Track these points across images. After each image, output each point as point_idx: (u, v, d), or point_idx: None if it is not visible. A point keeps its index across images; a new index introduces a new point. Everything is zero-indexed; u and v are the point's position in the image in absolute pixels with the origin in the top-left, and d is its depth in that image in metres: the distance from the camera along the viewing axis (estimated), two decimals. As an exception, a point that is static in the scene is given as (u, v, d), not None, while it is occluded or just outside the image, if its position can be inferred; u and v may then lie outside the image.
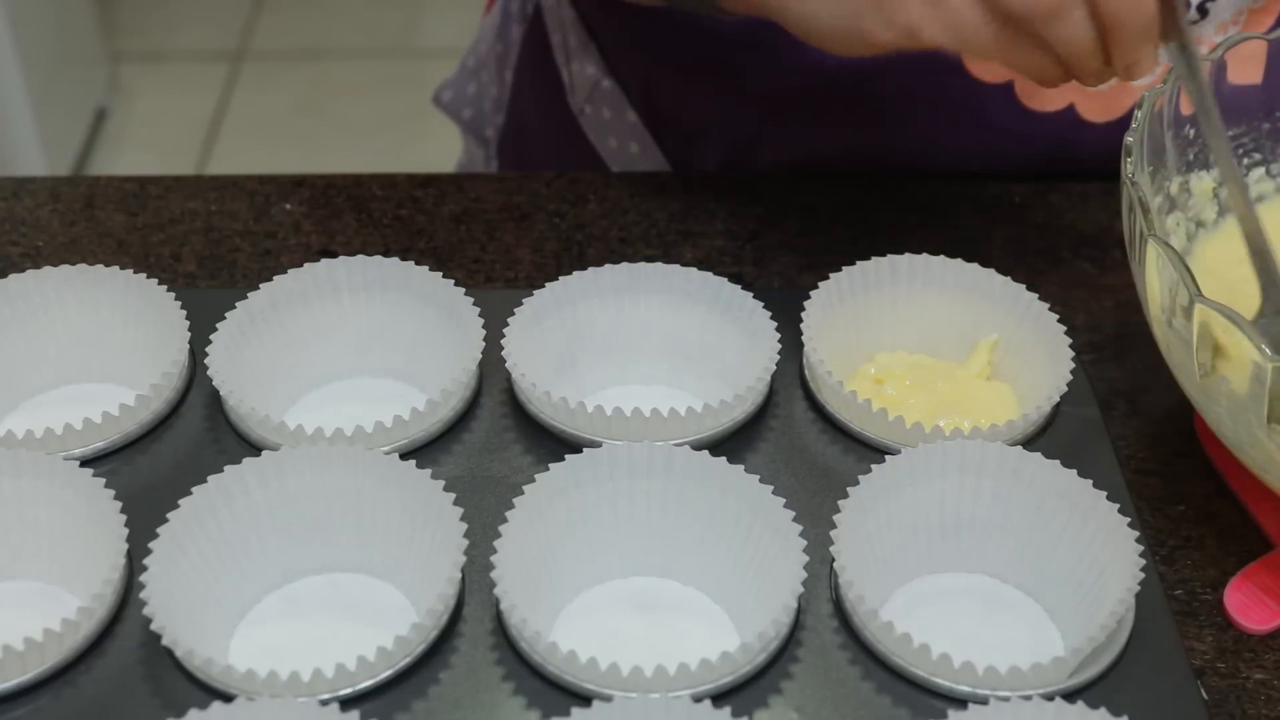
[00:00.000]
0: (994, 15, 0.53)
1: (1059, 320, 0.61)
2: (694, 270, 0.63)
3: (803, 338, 0.60)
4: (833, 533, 0.52)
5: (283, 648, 0.53)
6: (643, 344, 0.63)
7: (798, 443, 0.60)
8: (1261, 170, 0.66)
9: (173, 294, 0.62)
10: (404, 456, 0.56)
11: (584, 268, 0.63)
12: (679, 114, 0.82)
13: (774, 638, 0.51)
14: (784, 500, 0.53)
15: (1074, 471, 0.54)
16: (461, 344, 0.60)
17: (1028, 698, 0.48)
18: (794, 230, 0.74)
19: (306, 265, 0.63)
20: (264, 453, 0.55)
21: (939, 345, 0.65)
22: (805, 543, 0.51)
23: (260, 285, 0.62)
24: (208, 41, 2.49)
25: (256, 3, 2.58)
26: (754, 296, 0.62)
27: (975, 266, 0.64)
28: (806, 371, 0.62)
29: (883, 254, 0.64)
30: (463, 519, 0.52)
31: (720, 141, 0.81)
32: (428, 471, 0.54)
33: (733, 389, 0.59)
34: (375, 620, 0.54)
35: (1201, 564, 0.58)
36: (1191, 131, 0.62)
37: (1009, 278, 0.63)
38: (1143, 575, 0.51)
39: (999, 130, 0.75)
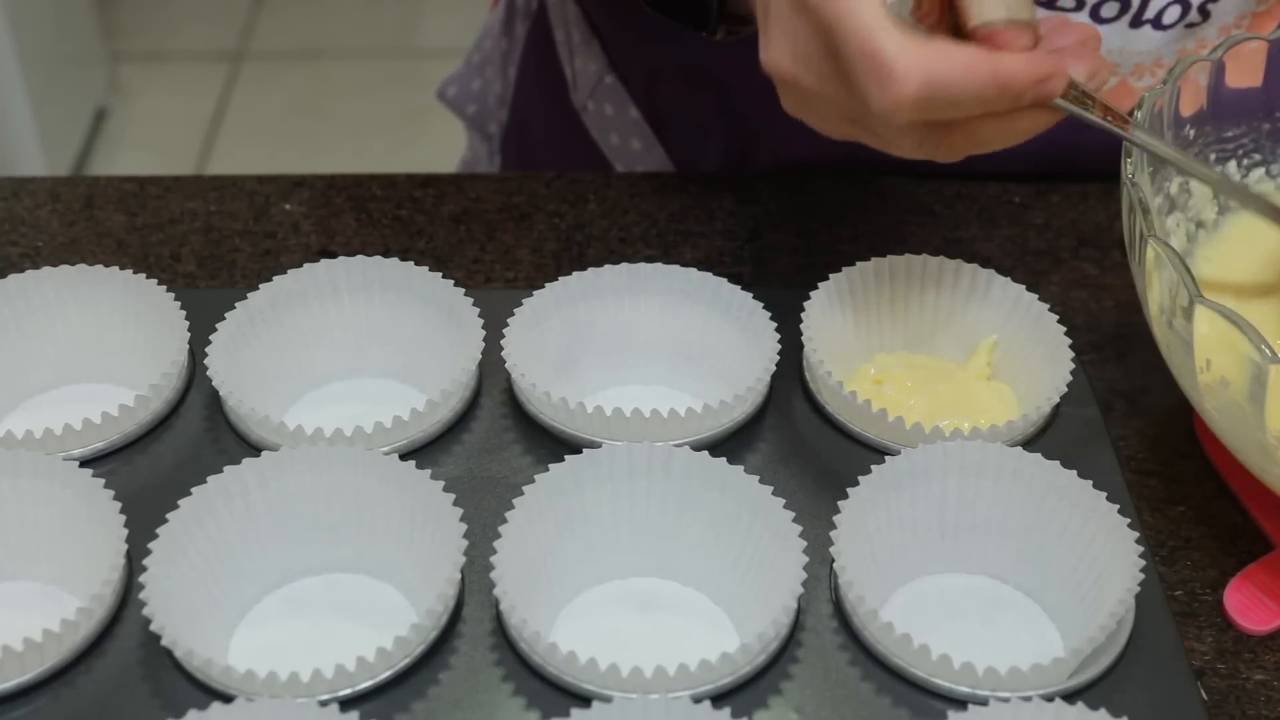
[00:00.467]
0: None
1: (1059, 321, 0.61)
2: (694, 270, 0.63)
3: (803, 338, 0.60)
4: (833, 533, 0.52)
5: (282, 648, 0.53)
6: (643, 344, 0.63)
7: (798, 443, 0.60)
8: (1261, 170, 0.66)
9: (172, 294, 0.62)
10: (404, 457, 0.56)
11: (584, 268, 0.63)
12: (681, 111, 0.82)
13: (774, 638, 0.51)
14: (784, 501, 0.53)
15: (1074, 472, 0.54)
16: (461, 344, 0.60)
17: (1027, 698, 0.48)
18: (794, 230, 0.74)
19: (306, 265, 0.63)
20: (263, 453, 0.55)
21: (939, 345, 0.65)
22: (805, 543, 0.51)
23: (260, 285, 0.62)
24: (207, 41, 2.49)
25: (256, 3, 2.58)
26: (754, 296, 0.62)
27: (975, 266, 0.64)
28: (806, 372, 0.62)
29: (883, 254, 0.64)
30: (462, 519, 0.52)
31: (722, 138, 0.81)
32: (427, 472, 0.54)
33: (733, 389, 0.59)
34: (375, 621, 0.54)
35: (1201, 564, 0.58)
36: (1191, 132, 0.62)
37: (1009, 278, 0.63)
38: (1143, 576, 0.51)
39: None
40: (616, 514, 0.55)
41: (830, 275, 0.63)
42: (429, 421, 0.59)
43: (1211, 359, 0.52)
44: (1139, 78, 0.74)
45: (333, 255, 0.67)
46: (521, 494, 0.53)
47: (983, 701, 0.49)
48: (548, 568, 0.54)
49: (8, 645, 0.49)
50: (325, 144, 2.25)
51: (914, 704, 0.50)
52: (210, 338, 0.60)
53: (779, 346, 0.60)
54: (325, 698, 0.49)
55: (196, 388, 0.62)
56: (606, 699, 0.49)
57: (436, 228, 0.74)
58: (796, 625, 0.52)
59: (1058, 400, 0.59)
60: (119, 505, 0.53)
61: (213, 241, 0.73)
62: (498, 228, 0.74)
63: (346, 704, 0.49)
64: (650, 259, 0.69)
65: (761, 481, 0.53)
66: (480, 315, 0.61)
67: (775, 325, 0.60)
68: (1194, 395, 0.55)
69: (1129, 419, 0.63)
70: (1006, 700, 0.48)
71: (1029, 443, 0.60)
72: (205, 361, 0.59)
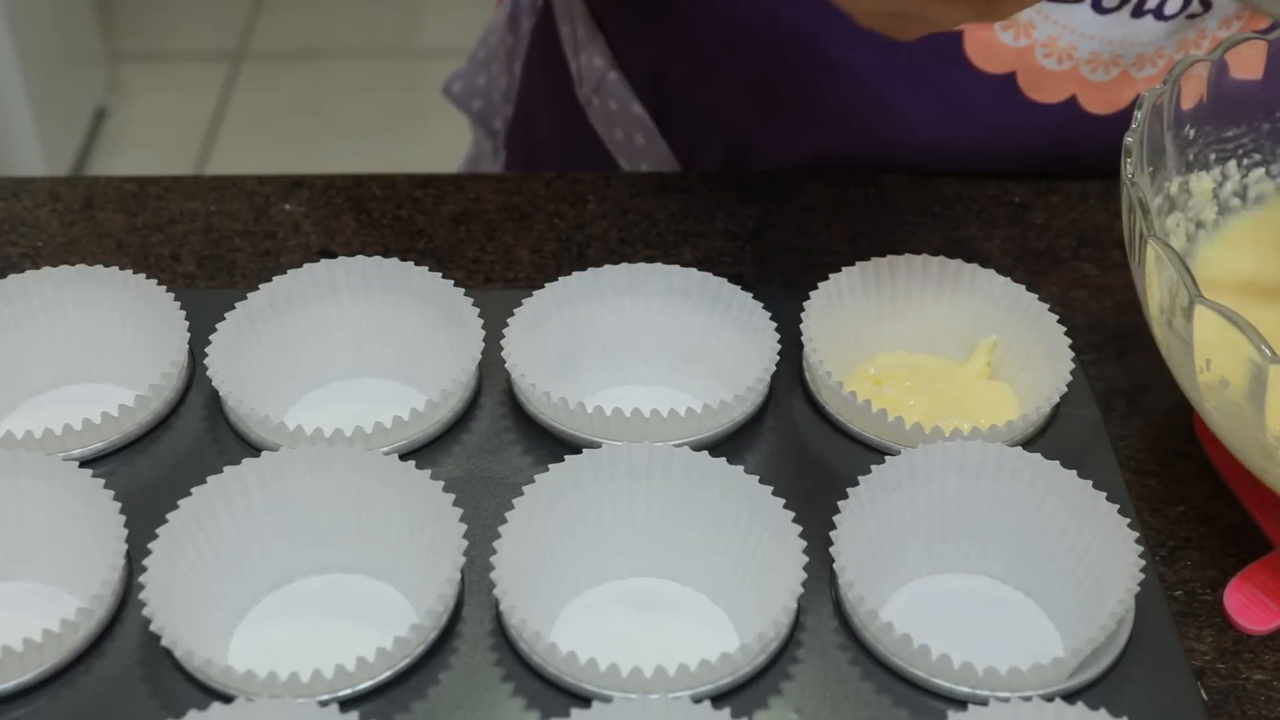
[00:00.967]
0: None
1: (1059, 320, 0.61)
2: (694, 270, 0.63)
3: (802, 338, 0.60)
4: (833, 533, 0.52)
5: (282, 648, 0.53)
6: (643, 344, 0.63)
7: (798, 443, 0.60)
8: (1261, 170, 0.66)
9: (172, 294, 0.62)
10: (403, 457, 0.56)
11: (584, 268, 0.63)
12: (685, 106, 0.83)
13: (774, 639, 0.51)
14: (784, 501, 0.53)
15: (1074, 472, 0.54)
16: (461, 344, 0.60)
17: (1027, 699, 0.48)
18: (794, 230, 0.74)
19: (306, 266, 0.63)
20: (263, 453, 0.55)
21: (939, 345, 0.65)
22: (805, 543, 0.51)
23: (260, 286, 0.62)
24: (207, 41, 2.49)
25: (256, 3, 2.58)
26: (754, 297, 0.62)
27: (975, 266, 0.64)
28: (806, 372, 0.62)
29: (883, 254, 0.64)
30: (462, 519, 0.52)
31: (725, 134, 0.81)
32: (427, 472, 0.54)
33: (732, 389, 0.59)
34: (374, 621, 0.54)
35: (1201, 565, 0.58)
36: (1191, 131, 0.62)
37: (1009, 278, 0.63)
38: (1142, 576, 0.51)
39: (1001, 122, 0.75)
40: (616, 514, 0.55)
41: (830, 275, 0.63)
42: (429, 422, 0.59)
43: (1211, 359, 0.52)
44: (1140, 69, 0.74)
45: (333, 255, 0.67)
46: (521, 494, 0.53)
47: (983, 701, 0.49)
48: (547, 568, 0.54)
49: (8, 645, 0.49)
50: (325, 144, 2.25)
51: (914, 704, 0.50)
52: (210, 338, 0.60)
53: (779, 346, 0.60)
54: (325, 698, 0.49)
55: (196, 388, 0.62)
56: (606, 699, 0.49)
57: (436, 228, 0.74)
58: (796, 625, 0.52)
59: (1058, 400, 0.59)
60: (119, 505, 0.53)
61: (213, 241, 0.73)
62: (498, 228, 0.74)
63: (346, 704, 0.49)
64: (650, 259, 0.69)
65: (761, 481, 0.53)
66: (480, 315, 0.61)
67: (775, 325, 0.60)
68: (1194, 395, 0.55)
69: (1129, 419, 0.63)
70: (1006, 700, 0.48)
71: (1029, 443, 0.60)
72: (205, 361, 0.59)
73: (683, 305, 0.63)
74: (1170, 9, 0.71)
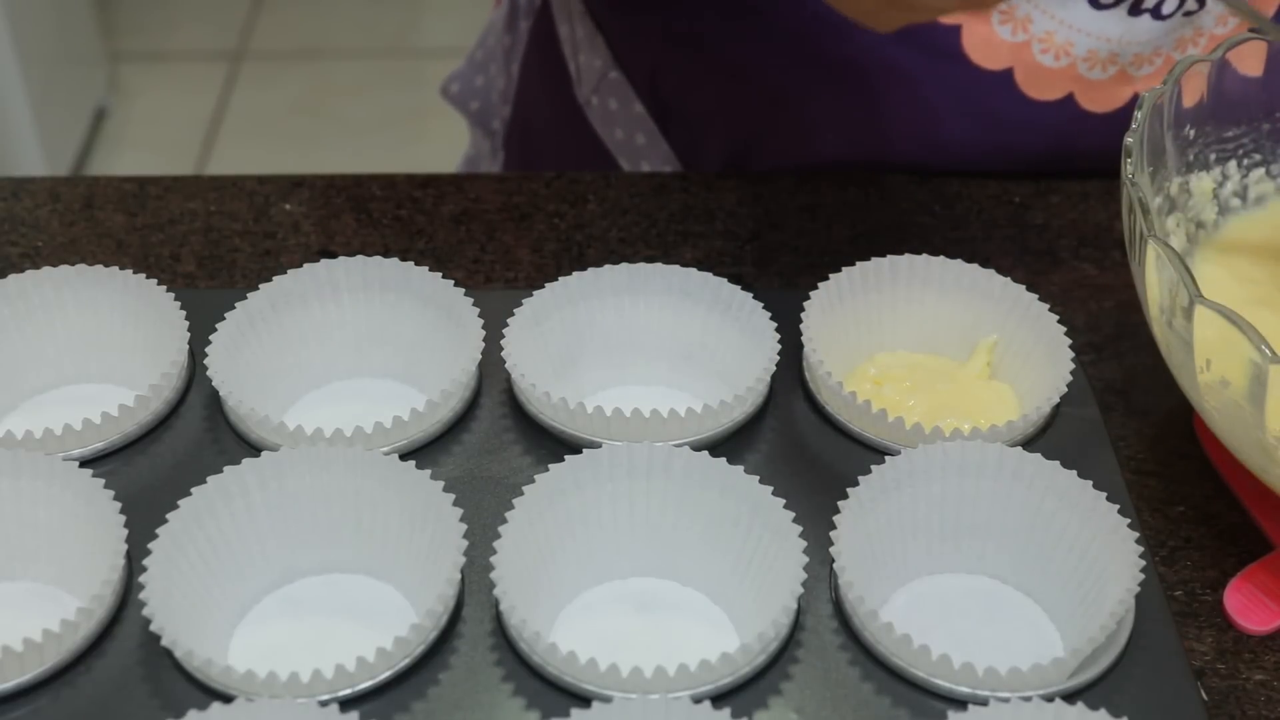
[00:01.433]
0: None
1: (1059, 320, 0.61)
2: (694, 270, 0.63)
3: (802, 338, 0.60)
4: (833, 533, 0.52)
5: (282, 648, 0.53)
6: (643, 344, 0.63)
7: (798, 443, 0.60)
8: (1261, 170, 0.66)
9: (172, 294, 0.62)
10: (403, 457, 0.56)
11: (584, 268, 0.63)
12: (685, 105, 0.83)
13: (774, 639, 0.51)
14: (784, 501, 0.53)
15: (1074, 472, 0.54)
16: (461, 344, 0.60)
17: (1027, 699, 0.48)
18: (794, 230, 0.74)
19: (306, 266, 0.63)
20: (263, 453, 0.55)
21: (939, 345, 0.65)
22: (805, 543, 0.51)
23: (260, 286, 0.62)
24: (207, 41, 2.49)
25: (256, 2, 2.58)
26: (754, 297, 0.62)
27: (975, 266, 0.64)
28: (806, 372, 0.62)
29: (883, 254, 0.64)
30: (462, 520, 0.52)
31: (725, 133, 0.81)
32: (427, 472, 0.54)
33: (733, 389, 0.59)
34: (374, 621, 0.54)
35: (1201, 565, 0.58)
36: (1192, 131, 0.62)
37: (1009, 278, 0.63)
38: (1142, 576, 0.51)
39: (1000, 120, 0.75)
40: (616, 514, 0.55)
41: (830, 275, 0.63)
42: (429, 422, 0.59)
43: (1211, 359, 0.52)
44: (1138, 67, 0.74)
45: (333, 255, 0.67)
46: (521, 494, 0.53)
47: (983, 702, 0.49)
48: (547, 568, 0.53)
49: (8, 645, 0.49)
50: (325, 144, 2.25)
51: (914, 704, 0.50)
52: (210, 338, 0.60)
53: (779, 346, 0.60)
54: (325, 698, 0.49)
55: (196, 388, 0.62)
56: (606, 699, 0.49)
57: (436, 228, 0.74)
58: (796, 625, 0.52)
59: (1058, 400, 0.59)
60: (119, 505, 0.53)
61: (213, 241, 0.73)
62: (498, 228, 0.74)
63: (346, 704, 0.49)
64: (650, 259, 0.69)
65: (761, 481, 0.53)
66: (480, 315, 0.61)
67: (775, 325, 0.60)
68: (1194, 395, 0.55)
69: (1129, 419, 0.63)
70: (1006, 700, 0.48)
71: (1029, 443, 0.60)
72: (205, 362, 0.59)
73: (683, 305, 0.63)
74: (1167, 8, 0.71)
